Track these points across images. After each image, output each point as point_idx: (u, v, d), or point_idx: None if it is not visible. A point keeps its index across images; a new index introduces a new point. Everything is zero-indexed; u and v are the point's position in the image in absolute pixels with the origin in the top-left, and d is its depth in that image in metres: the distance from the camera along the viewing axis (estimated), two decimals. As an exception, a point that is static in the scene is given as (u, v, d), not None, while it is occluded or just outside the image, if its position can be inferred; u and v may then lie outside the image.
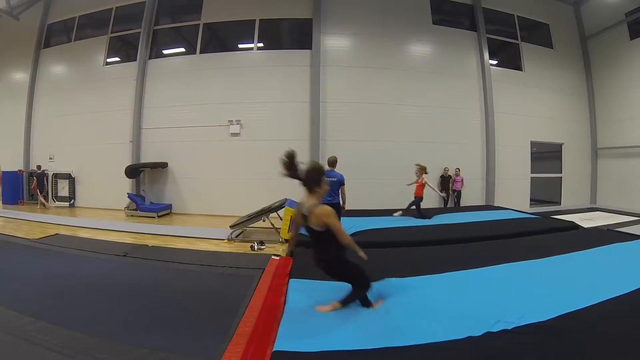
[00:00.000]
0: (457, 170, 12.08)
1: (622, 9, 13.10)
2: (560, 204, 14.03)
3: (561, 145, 14.11)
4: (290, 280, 4.33)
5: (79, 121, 13.05)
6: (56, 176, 13.17)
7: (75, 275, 4.87)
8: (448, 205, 12.07)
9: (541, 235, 7.28)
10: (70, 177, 13.04)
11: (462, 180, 12.08)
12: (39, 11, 14.21)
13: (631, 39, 13.14)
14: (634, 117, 13.02)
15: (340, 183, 6.88)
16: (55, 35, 14.37)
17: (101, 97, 12.86)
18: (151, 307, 3.92)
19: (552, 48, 14.14)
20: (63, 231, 8.45)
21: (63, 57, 13.85)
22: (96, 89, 12.97)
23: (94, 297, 4.17)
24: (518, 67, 13.55)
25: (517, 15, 13.70)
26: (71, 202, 13.01)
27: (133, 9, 12.99)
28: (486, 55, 12.72)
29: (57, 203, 13.10)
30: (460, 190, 12.09)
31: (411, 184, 9.13)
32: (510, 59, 13.60)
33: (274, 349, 2.79)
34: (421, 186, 8.87)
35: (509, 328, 3.12)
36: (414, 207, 9.00)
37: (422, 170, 8.91)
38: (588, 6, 14.25)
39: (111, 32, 13.33)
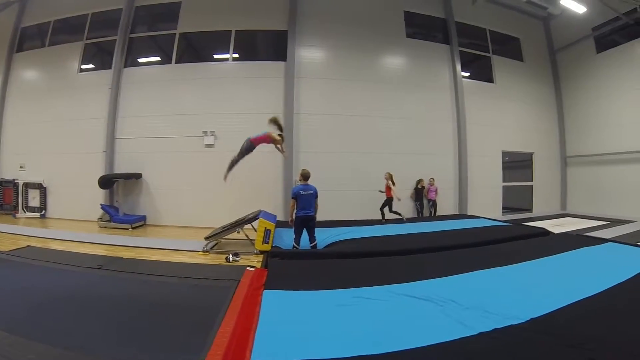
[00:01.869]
0: (432, 180, 12.30)
1: (589, 24, 13.62)
2: (532, 211, 14.41)
3: (531, 154, 14.53)
4: (265, 291, 4.36)
5: (51, 129, 12.72)
6: (27, 186, 12.81)
7: (48, 289, 4.80)
8: (423, 215, 12.27)
9: (513, 242, 7.50)
10: (41, 187, 12.69)
11: (436, 189, 12.30)
12: (12, 14, 13.79)
13: (597, 52, 13.74)
14: (601, 127, 13.57)
15: (316, 195, 7.09)
16: (28, 39, 13.97)
17: (74, 105, 12.56)
18: (127, 320, 3.91)
19: (522, 61, 14.61)
20: (34, 243, 8.21)
21: (36, 62, 13.50)
22: (70, 97, 12.68)
23: (68, 310, 4.13)
24: (490, 79, 13.94)
25: (489, 30, 14.10)
26: (42, 212, 12.67)
27: (109, 15, 12.79)
28: (459, 67, 13.04)
29: (28, 213, 12.74)
30: (435, 200, 12.30)
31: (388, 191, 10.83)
32: (482, 72, 13.97)
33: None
34: (389, 189, 10.68)
35: (487, 331, 3.25)
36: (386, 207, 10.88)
37: (390, 176, 10.71)
38: (557, 21, 14.76)
39: (86, 39, 13.07)
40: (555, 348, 2.94)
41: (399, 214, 10.81)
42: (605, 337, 3.11)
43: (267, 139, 7.95)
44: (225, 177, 8.33)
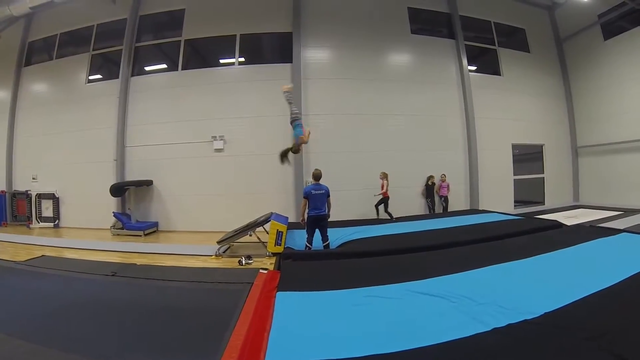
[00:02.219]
0: (443, 176, 12.23)
1: (595, 11, 13.45)
2: (544, 204, 14.24)
3: (542, 146, 14.35)
4: (278, 293, 4.38)
5: (62, 140, 12.90)
6: (40, 196, 12.97)
7: (64, 296, 4.87)
8: (435, 211, 12.20)
9: (526, 235, 7.44)
10: (54, 197, 12.85)
11: (448, 185, 12.23)
12: (19, 29, 14.00)
13: (605, 40, 13.51)
14: (612, 115, 13.34)
15: (328, 195, 7.11)
16: (36, 53, 14.17)
17: (84, 116, 12.72)
18: (142, 326, 3.95)
19: (528, 52, 14.44)
20: (49, 252, 8.32)
21: (45, 75, 13.69)
22: (79, 107, 12.84)
23: (84, 317, 4.18)
24: (496, 72, 13.80)
25: (494, 22, 13.96)
26: (56, 222, 12.82)
27: (114, 25, 12.93)
28: (465, 62, 12.93)
29: (42, 224, 12.90)
30: (447, 196, 12.24)
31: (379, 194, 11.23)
32: (488, 65, 13.84)
33: (265, 361, 2.84)
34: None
35: (501, 326, 3.23)
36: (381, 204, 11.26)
37: (385, 175, 11.06)
38: (562, 10, 14.54)
39: (93, 50, 13.21)
40: (570, 342, 2.91)
41: (390, 215, 11.05)
42: (622, 329, 3.07)
43: (303, 137, 7.58)
44: (284, 87, 8.22)
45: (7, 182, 13.62)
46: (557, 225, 8.45)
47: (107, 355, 3.23)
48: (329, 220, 7.39)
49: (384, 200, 11.06)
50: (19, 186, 13.50)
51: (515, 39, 14.42)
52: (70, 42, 13.70)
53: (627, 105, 12.79)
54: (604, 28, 13.54)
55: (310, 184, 7.54)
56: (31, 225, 12.87)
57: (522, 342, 2.97)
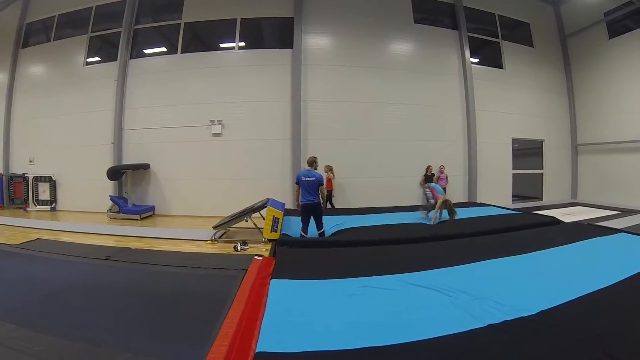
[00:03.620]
0: (441, 167, 12.20)
1: (601, 9, 13.35)
2: (542, 200, 14.28)
3: (542, 141, 14.33)
4: (272, 280, 4.34)
5: (60, 123, 12.82)
6: (36, 179, 12.93)
7: (57, 280, 4.81)
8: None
9: (523, 230, 7.39)
10: (51, 180, 12.82)
11: (446, 177, 12.20)
12: (17, 10, 13.85)
13: (610, 38, 13.41)
14: (613, 114, 13.31)
15: (319, 183, 6.98)
16: (34, 34, 14.02)
17: (82, 98, 12.62)
18: (135, 311, 3.91)
19: (532, 46, 14.35)
20: (44, 235, 8.28)
21: (42, 57, 13.55)
22: (76, 90, 12.73)
23: (76, 302, 4.13)
24: (499, 65, 13.71)
25: (498, 14, 13.84)
26: (52, 205, 12.79)
27: (113, 7, 12.78)
28: (467, 53, 12.83)
29: (39, 207, 12.86)
30: (445, 187, 12.20)
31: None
32: (491, 57, 13.73)
33: (256, 350, 2.80)
34: (329, 181, 10.73)
35: (496, 323, 3.19)
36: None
37: (329, 168, 10.83)
38: (568, 6, 14.46)
39: (91, 32, 13.07)
40: (566, 341, 2.87)
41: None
42: (618, 330, 3.04)
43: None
44: None
45: (4, 165, 13.56)
46: (555, 221, 8.39)
47: (98, 340, 3.19)
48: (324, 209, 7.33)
49: (329, 193, 10.88)
50: (16, 169, 13.43)
51: (519, 32, 14.31)
52: (69, 24, 13.55)
53: (629, 105, 12.74)
54: (609, 26, 13.43)
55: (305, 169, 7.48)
56: (28, 209, 12.83)
57: (517, 339, 2.93)
